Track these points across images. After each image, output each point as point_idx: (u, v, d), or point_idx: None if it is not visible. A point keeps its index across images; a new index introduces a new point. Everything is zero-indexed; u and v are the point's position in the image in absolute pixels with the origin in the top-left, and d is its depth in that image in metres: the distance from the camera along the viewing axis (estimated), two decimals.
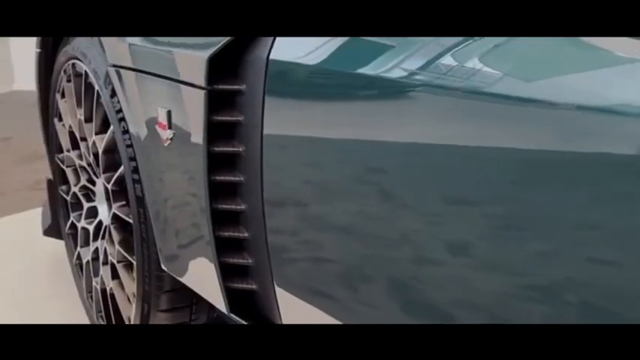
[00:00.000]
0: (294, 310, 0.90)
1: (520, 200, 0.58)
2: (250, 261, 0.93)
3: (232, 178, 0.90)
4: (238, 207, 0.90)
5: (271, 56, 0.79)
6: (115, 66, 1.11)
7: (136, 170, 1.11)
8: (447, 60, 0.64)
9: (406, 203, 0.68)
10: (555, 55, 0.58)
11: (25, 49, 2.84)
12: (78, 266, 1.52)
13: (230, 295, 0.96)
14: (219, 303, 0.98)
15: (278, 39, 0.80)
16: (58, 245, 1.79)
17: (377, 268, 0.76)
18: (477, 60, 0.61)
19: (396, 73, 0.66)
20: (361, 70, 0.70)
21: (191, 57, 0.88)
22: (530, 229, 0.57)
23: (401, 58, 0.67)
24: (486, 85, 0.59)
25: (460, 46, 0.64)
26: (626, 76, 0.54)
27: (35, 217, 1.97)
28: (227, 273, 0.96)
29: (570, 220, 0.54)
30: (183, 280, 1.07)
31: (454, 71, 0.62)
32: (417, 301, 0.71)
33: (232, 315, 0.96)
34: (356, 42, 0.73)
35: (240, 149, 0.88)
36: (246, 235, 0.92)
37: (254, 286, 0.94)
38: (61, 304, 1.65)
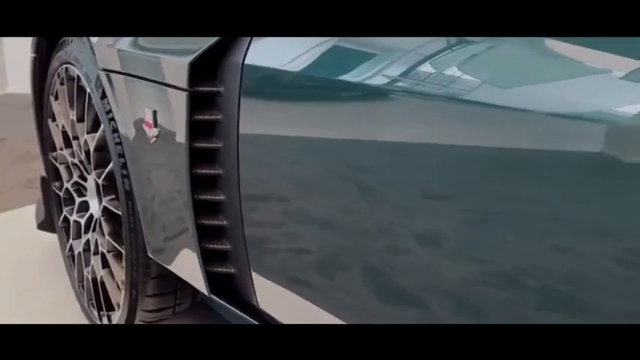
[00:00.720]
0: (268, 291, 0.94)
1: (490, 195, 0.61)
2: (229, 247, 0.97)
3: (212, 172, 0.94)
4: (217, 198, 0.95)
5: (246, 61, 0.83)
6: (105, 70, 1.14)
7: (124, 166, 1.14)
8: (405, 62, 0.68)
9: (368, 194, 0.74)
10: (527, 64, 0.61)
11: (18, 54, 2.84)
12: (70, 257, 1.54)
13: (210, 278, 1.01)
14: (201, 286, 1.02)
15: (252, 45, 0.85)
16: (50, 241, 1.79)
17: (343, 254, 0.80)
18: (435, 64, 0.66)
19: (356, 76, 0.71)
20: (324, 74, 0.74)
21: (174, 62, 0.93)
22: (499, 222, 0.60)
23: (362, 61, 0.72)
24: (451, 90, 0.63)
25: (417, 50, 0.70)
26: (589, 83, 0.56)
27: (29, 213, 1.98)
28: (208, 258, 1.00)
29: (537, 214, 0.57)
30: (169, 266, 1.11)
31: (412, 73, 0.67)
32: (385, 285, 0.75)
33: (213, 296, 1.01)
34: (321, 48, 0.78)
35: (219, 145, 0.92)
36: (224, 223, 0.96)
37: (232, 270, 0.99)
38: (52, 294, 1.66)
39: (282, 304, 0.93)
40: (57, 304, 1.61)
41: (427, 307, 0.70)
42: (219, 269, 1.00)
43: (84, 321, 1.49)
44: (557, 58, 0.60)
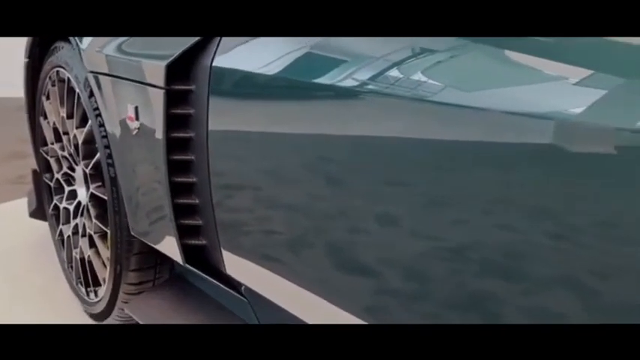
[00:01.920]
0: (234, 260, 1.03)
1: (440, 182, 0.66)
2: (200, 222, 1.07)
3: (185, 158, 1.03)
4: (190, 180, 1.05)
5: (213, 64, 0.94)
6: (92, 72, 1.23)
7: (110, 156, 1.23)
8: (357, 62, 0.76)
9: (316, 177, 0.82)
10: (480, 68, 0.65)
11: (2, 60, 2.85)
12: (60, 241, 1.61)
13: (185, 250, 1.10)
14: (177, 257, 1.11)
15: (219, 50, 0.94)
16: (39, 232, 1.88)
17: (294, 228, 0.88)
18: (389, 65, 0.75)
19: (308, 76, 0.80)
20: (279, 74, 0.84)
21: (153, 65, 1.03)
22: (448, 205, 0.66)
23: (314, 62, 0.81)
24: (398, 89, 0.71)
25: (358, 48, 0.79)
26: (536, 86, 0.59)
27: (18, 206, 2.05)
28: (183, 233, 1.09)
29: (483, 198, 0.62)
30: (149, 241, 1.20)
31: (360, 71, 0.75)
32: (329, 253, 0.83)
33: (187, 265, 1.11)
34: (277, 51, 0.86)
35: (191, 135, 1.02)
36: (197, 201, 1.06)
37: (204, 242, 1.09)
38: (42, 278, 1.72)
39: (246, 270, 1.02)
40: (46, 287, 1.67)
41: (375, 274, 0.78)
42: (193, 242, 1.10)
43: (72, 300, 1.57)
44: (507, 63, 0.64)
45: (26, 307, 1.61)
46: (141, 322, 1.27)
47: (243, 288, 1.09)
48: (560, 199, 0.56)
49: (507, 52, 0.64)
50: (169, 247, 1.13)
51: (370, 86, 0.74)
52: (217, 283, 1.11)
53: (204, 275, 1.12)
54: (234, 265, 1.05)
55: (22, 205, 1.91)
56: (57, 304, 1.60)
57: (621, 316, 0.54)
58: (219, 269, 1.09)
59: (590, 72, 0.56)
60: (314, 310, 0.89)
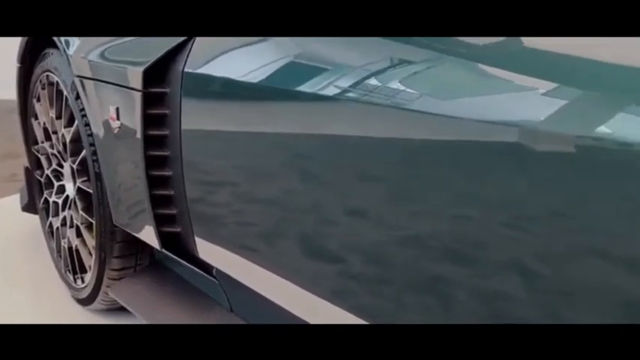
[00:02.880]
0: (205, 245, 1.10)
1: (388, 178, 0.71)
2: (175, 211, 1.15)
3: (161, 153, 1.11)
4: (166, 173, 1.12)
5: (185, 69, 1.02)
6: (79, 76, 1.30)
7: (94, 153, 1.30)
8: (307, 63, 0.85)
9: (272, 167, 0.90)
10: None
11: None
12: (50, 233, 1.66)
13: (162, 236, 1.17)
14: (155, 243, 1.19)
15: (189, 56, 1.01)
16: (31, 227, 1.92)
17: (255, 215, 0.95)
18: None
19: (267, 80, 0.88)
20: (241, 78, 0.92)
21: (132, 70, 1.11)
22: (399, 199, 0.71)
23: (271, 65, 0.88)
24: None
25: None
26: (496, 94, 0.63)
27: (11, 203, 2.08)
28: (159, 221, 1.16)
29: (442, 192, 0.66)
30: (130, 230, 1.28)
31: (313, 73, 0.81)
32: (283, 236, 0.91)
33: (164, 250, 1.18)
34: (240, 56, 0.94)
35: (167, 133, 1.09)
36: (172, 193, 1.13)
37: (179, 230, 1.16)
38: (32, 266, 1.79)
39: (217, 254, 1.09)
40: (38, 275, 1.74)
41: (333, 257, 0.83)
42: (169, 229, 1.17)
43: (61, 287, 1.64)
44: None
45: (20, 293, 1.68)
46: (123, 305, 1.36)
47: (214, 270, 1.17)
48: (521, 195, 0.59)
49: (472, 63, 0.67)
50: (148, 234, 1.21)
51: (318, 88, 0.81)
52: (191, 266, 1.19)
53: (179, 259, 1.19)
54: (206, 250, 1.12)
55: (15, 200, 1.96)
56: (48, 291, 1.67)
57: (563, 299, 0.57)
58: (192, 254, 1.16)
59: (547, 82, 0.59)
60: (278, 289, 0.96)
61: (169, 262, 1.39)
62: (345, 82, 0.78)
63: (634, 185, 0.50)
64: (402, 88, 0.71)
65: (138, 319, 1.31)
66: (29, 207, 1.79)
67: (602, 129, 0.53)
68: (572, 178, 0.55)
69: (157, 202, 1.16)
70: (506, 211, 0.61)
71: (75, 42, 1.34)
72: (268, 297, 1.00)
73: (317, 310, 0.89)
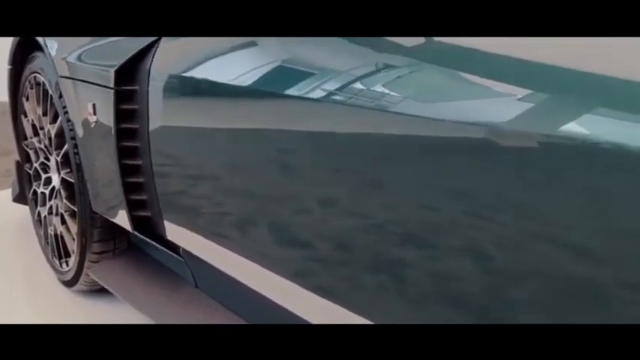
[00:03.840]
0: (173, 228, 1.18)
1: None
2: (146, 197, 1.23)
3: (132, 144, 1.19)
4: (137, 162, 1.20)
5: (151, 69, 1.11)
6: (62, 77, 1.39)
7: (76, 146, 1.39)
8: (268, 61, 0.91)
9: (230, 153, 0.99)
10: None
11: None
12: (38, 221, 1.74)
13: (134, 220, 1.26)
14: (128, 226, 1.28)
15: (154, 57, 1.11)
16: (24, 220, 2.00)
17: (221, 201, 1.02)
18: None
19: (222, 77, 0.96)
20: (200, 76, 1.00)
21: (106, 70, 1.20)
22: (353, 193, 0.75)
23: (225, 63, 0.97)
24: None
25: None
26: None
27: (5, 196, 2.15)
28: (131, 206, 1.25)
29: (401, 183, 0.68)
30: (106, 215, 1.36)
31: (274, 70, 0.88)
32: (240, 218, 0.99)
33: (136, 232, 1.27)
34: (197, 56, 1.02)
35: (137, 126, 1.18)
36: (142, 180, 1.22)
37: (149, 213, 1.25)
38: (23, 253, 1.87)
39: (183, 236, 1.17)
40: (28, 261, 1.83)
41: (280, 235, 0.90)
42: (140, 213, 1.26)
43: (48, 270, 1.74)
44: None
45: (10, 277, 1.77)
46: (102, 284, 1.45)
47: (181, 250, 1.25)
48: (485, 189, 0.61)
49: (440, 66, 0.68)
50: (122, 219, 1.30)
51: (265, 83, 0.89)
52: (161, 247, 1.28)
53: (150, 241, 1.28)
54: (174, 232, 1.20)
55: (9, 194, 2.04)
56: (36, 275, 1.76)
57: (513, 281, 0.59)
58: (162, 236, 1.24)
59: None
60: (238, 266, 1.04)
61: (144, 246, 1.48)
62: (295, 78, 0.84)
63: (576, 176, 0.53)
64: (363, 87, 0.74)
65: (117, 299, 1.40)
66: (20, 198, 1.87)
67: (550, 126, 0.55)
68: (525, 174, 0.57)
69: (129, 188, 1.24)
70: (462, 202, 0.62)
71: (58, 45, 1.43)
72: (229, 273, 1.08)
73: (270, 284, 0.96)
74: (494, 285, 0.61)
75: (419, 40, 0.69)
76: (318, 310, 0.86)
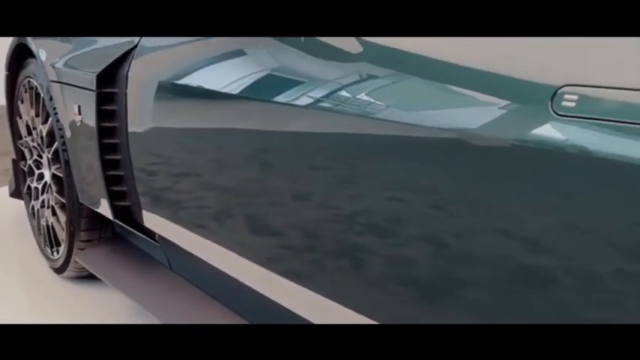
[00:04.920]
0: (150, 216, 1.28)
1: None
2: (125, 188, 1.33)
3: (112, 141, 1.30)
4: (116, 157, 1.31)
5: (128, 73, 1.22)
6: (52, 81, 1.49)
7: (64, 143, 1.49)
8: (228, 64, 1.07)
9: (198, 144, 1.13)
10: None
11: None
12: (32, 214, 1.84)
13: (114, 209, 1.36)
14: (109, 215, 1.38)
15: (131, 64, 1.22)
16: (21, 215, 2.08)
17: (192, 192, 1.11)
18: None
19: (188, 80, 1.07)
20: (169, 80, 1.10)
21: (89, 75, 1.30)
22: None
23: (192, 67, 1.07)
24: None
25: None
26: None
27: (5, 193, 2.25)
28: (112, 196, 1.35)
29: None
30: (91, 206, 1.46)
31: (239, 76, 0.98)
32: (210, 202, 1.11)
33: (116, 220, 1.37)
34: (167, 62, 1.13)
35: (117, 125, 1.28)
36: (122, 173, 1.32)
37: (128, 203, 1.35)
38: (18, 243, 1.97)
39: (159, 223, 1.27)
40: (23, 250, 1.93)
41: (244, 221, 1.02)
42: (120, 203, 1.36)
43: (41, 258, 1.83)
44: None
45: (6, 265, 1.88)
46: (88, 268, 1.55)
47: (157, 236, 1.36)
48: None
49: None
50: (104, 208, 1.40)
51: (222, 87, 1.00)
52: (139, 233, 1.38)
53: (129, 228, 1.38)
54: (150, 220, 1.30)
55: (7, 190, 2.14)
56: (30, 262, 1.87)
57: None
58: (140, 223, 1.35)
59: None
60: (207, 250, 1.13)
61: (125, 234, 1.58)
62: (248, 80, 0.95)
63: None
64: (316, 89, 0.82)
65: (105, 284, 1.50)
66: (16, 193, 1.97)
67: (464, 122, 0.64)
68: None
69: (110, 181, 1.35)
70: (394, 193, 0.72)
71: (48, 52, 1.54)
72: (200, 257, 1.18)
73: (237, 266, 1.05)
74: (449, 268, 0.67)
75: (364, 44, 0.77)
76: (276, 287, 0.96)
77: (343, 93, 0.77)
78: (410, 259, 0.71)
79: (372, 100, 0.74)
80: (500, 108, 0.63)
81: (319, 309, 0.88)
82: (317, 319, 0.89)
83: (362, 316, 0.79)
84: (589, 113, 0.55)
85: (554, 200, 0.58)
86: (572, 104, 0.56)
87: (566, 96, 0.57)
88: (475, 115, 0.64)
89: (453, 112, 0.67)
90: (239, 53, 1.01)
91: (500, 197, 0.62)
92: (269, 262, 0.97)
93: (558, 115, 0.57)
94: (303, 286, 0.90)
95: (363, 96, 0.75)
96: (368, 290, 0.79)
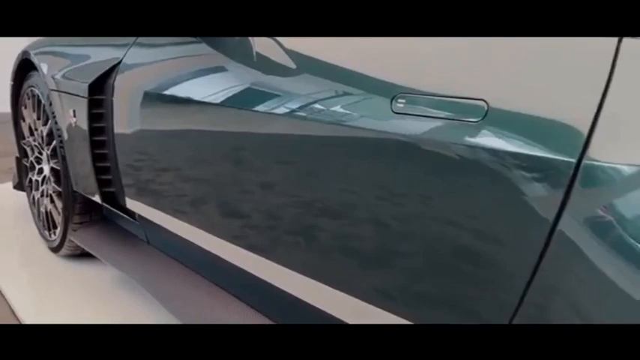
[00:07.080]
0: (132, 200, 1.46)
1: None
2: (111, 177, 1.53)
3: (101, 138, 1.49)
4: (104, 151, 1.50)
5: (114, 83, 1.43)
6: (51, 90, 1.68)
7: (61, 142, 1.68)
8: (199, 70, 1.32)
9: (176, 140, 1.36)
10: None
11: None
12: (32, 203, 2.02)
13: (103, 195, 1.55)
14: (98, 199, 1.57)
15: (117, 75, 1.46)
16: (22, 207, 2.24)
17: (167, 181, 1.29)
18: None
19: (164, 89, 1.31)
20: (149, 90, 1.29)
21: (82, 84, 1.49)
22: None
23: (169, 77, 1.32)
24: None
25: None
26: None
27: (7, 188, 2.43)
28: (100, 184, 1.54)
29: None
30: (83, 192, 1.64)
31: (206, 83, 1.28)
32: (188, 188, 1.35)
33: (104, 204, 1.57)
34: (147, 73, 1.38)
35: (104, 125, 1.48)
36: (108, 164, 1.51)
37: (114, 190, 1.54)
38: (22, 232, 2.14)
39: (138, 205, 1.45)
40: (25, 234, 2.11)
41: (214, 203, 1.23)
42: (107, 189, 1.55)
43: (39, 240, 2.04)
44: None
45: (10, 247, 2.06)
46: (79, 244, 1.76)
47: (137, 216, 1.55)
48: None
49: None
50: (93, 193, 1.60)
51: (186, 94, 1.25)
52: (122, 214, 1.58)
53: (114, 210, 1.59)
54: (132, 203, 1.50)
55: (10, 184, 2.31)
56: (31, 244, 2.05)
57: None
58: (123, 205, 1.54)
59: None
60: (178, 226, 1.31)
61: (112, 216, 1.79)
62: (204, 86, 1.18)
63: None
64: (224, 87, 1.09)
65: (94, 261, 1.70)
66: (18, 186, 2.15)
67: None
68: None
69: (99, 171, 1.54)
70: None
71: (48, 66, 1.74)
72: (173, 231, 1.36)
73: (203, 239, 1.22)
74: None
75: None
76: (234, 253, 1.13)
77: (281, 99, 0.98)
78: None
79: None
80: (357, 105, 0.87)
81: (262, 266, 1.06)
82: (260, 273, 1.09)
83: (313, 280, 0.93)
84: (415, 111, 0.78)
85: (389, 177, 0.80)
86: (404, 105, 0.81)
87: (399, 99, 0.82)
88: (343, 109, 0.88)
89: (334, 106, 0.88)
90: (203, 66, 1.22)
91: (351, 176, 0.85)
92: (227, 234, 1.16)
93: (395, 112, 0.81)
94: (254, 253, 1.10)
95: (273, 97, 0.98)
96: (316, 259, 0.93)
